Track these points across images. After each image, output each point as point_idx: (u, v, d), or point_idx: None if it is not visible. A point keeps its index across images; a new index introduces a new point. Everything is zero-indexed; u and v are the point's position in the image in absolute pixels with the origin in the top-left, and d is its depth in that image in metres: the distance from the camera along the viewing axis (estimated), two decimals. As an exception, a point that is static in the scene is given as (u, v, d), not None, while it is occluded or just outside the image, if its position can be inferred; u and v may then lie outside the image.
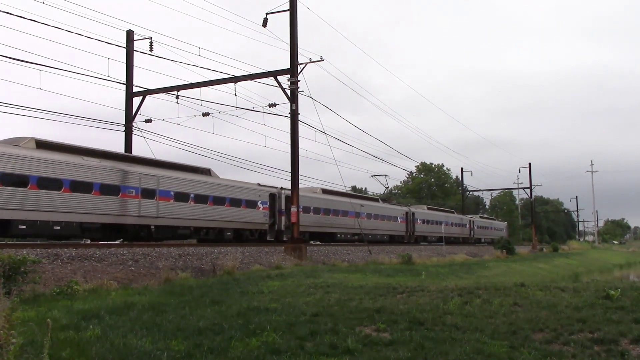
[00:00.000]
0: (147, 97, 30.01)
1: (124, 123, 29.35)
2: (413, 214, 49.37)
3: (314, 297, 11.51)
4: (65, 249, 16.74)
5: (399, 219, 46.34)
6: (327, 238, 36.52)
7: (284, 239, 30.62)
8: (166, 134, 61.09)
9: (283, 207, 31.67)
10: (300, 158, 25.88)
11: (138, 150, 29.95)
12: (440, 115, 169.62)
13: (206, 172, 28.12)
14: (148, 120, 29.63)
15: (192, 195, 25.75)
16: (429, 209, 55.72)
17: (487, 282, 14.51)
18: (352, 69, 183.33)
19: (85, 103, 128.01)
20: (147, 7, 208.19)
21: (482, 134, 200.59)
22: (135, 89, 29.97)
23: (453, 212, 62.21)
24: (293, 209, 25.26)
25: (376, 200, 46.58)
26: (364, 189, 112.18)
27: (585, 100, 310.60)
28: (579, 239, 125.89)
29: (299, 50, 26.08)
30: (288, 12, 26.12)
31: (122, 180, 22.55)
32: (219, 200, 27.26)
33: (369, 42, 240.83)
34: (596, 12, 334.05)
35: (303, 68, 26.03)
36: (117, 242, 21.79)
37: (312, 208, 34.64)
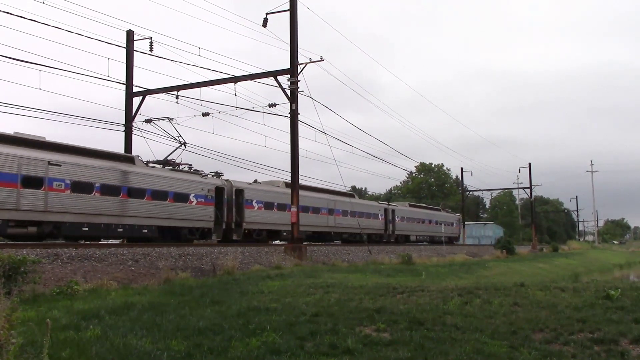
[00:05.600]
0: (148, 97, 30.03)
1: (124, 123, 29.35)
2: (241, 191, 29.78)
3: (314, 297, 11.51)
4: (65, 249, 16.75)
5: (205, 200, 26.88)
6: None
7: None
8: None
9: None
10: (300, 158, 25.89)
11: (137, 150, 29.89)
12: (444, 114, 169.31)
13: None
14: (148, 120, 29.63)
15: None
16: (288, 186, 31.82)
17: (487, 282, 14.54)
18: (359, 68, 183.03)
19: (85, 103, 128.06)
20: (147, 7, 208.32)
21: (485, 133, 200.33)
22: (135, 89, 29.97)
23: (352, 196, 43.57)
24: (293, 209, 25.27)
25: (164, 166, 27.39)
26: (364, 189, 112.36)
27: (587, 99, 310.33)
28: (579, 239, 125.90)
29: (300, 50, 26.10)
30: (288, 12, 26.13)
31: None
32: None
33: (375, 41, 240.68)
34: (600, 10, 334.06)
35: (303, 68, 26.05)
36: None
37: None
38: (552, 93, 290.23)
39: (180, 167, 27.70)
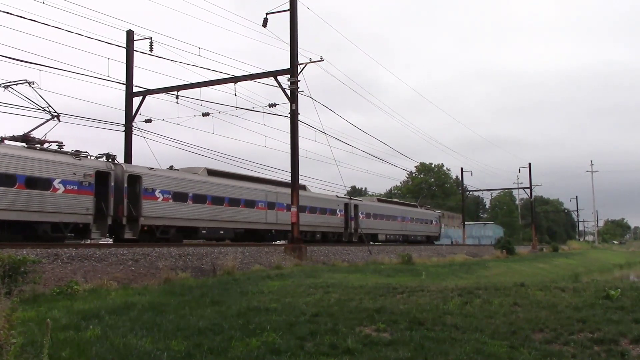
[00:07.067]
0: (148, 97, 30.05)
1: (124, 123, 29.36)
2: (137, 177, 23.85)
3: (314, 297, 11.52)
4: (65, 249, 16.76)
5: (78, 187, 21.14)
6: None
7: None
8: (166, 134, 61.00)
9: None
10: (300, 158, 25.90)
11: (138, 150, 29.81)
12: (444, 115, 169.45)
13: None
14: (148, 120, 29.66)
15: None
16: (211, 174, 28.86)
17: (487, 282, 14.54)
18: (359, 68, 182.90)
19: (85, 103, 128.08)
20: (147, 7, 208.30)
21: (485, 133, 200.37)
22: (135, 89, 29.99)
23: (303, 188, 34.55)
24: (293, 209, 25.28)
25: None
26: (364, 189, 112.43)
27: (587, 99, 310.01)
28: (579, 239, 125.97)
29: (300, 50, 26.13)
30: (288, 12, 26.14)
31: None
32: None
33: (375, 41, 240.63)
34: (600, 10, 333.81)
35: (303, 68, 26.07)
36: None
37: None
38: (552, 93, 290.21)
39: (47, 146, 21.72)
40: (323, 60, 26.68)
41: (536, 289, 12.02)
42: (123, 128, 29.27)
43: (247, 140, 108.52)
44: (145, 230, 24.21)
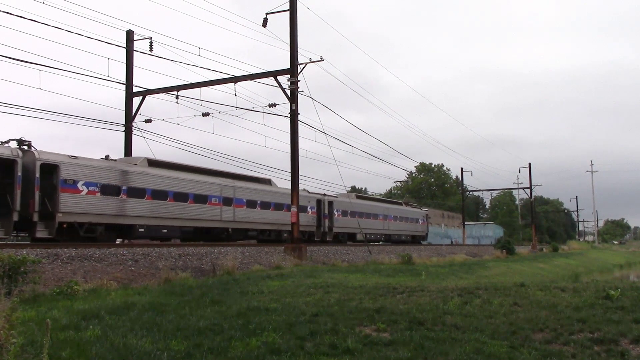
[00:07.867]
0: (148, 97, 30.07)
1: (124, 123, 29.37)
2: (53, 167, 20.54)
3: (314, 297, 11.52)
4: (65, 249, 16.77)
5: None
6: None
7: None
8: (166, 134, 61.07)
9: None
10: (300, 158, 25.91)
11: (138, 150, 29.83)
12: (444, 114, 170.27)
13: None
14: (148, 120, 29.68)
15: None
16: (152, 165, 25.84)
17: (487, 282, 14.54)
18: (360, 68, 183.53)
19: (85, 103, 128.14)
20: (147, 7, 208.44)
21: (485, 133, 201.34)
22: (135, 89, 30.02)
23: (268, 183, 33.32)
24: (293, 209, 25.29)
25: None
26: (364, 189, 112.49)
27: (588, 99, 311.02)
28: (579, 239, 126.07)
29: (300, 50, 26.15)
30: (288, 12, 26.15)
31: None
32: None
33: (375, 41, 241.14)
34: (600, 10, 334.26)
35: (303, 68, 26.09)
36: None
37: None
38: (552, 93, 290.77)
39: None
40: (323, 60, 26.72)
41: (536, 289, 12.03)
42: (123, 128, 29.28)
43: (247, 140, 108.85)
44: (65, 227, 20.97)
